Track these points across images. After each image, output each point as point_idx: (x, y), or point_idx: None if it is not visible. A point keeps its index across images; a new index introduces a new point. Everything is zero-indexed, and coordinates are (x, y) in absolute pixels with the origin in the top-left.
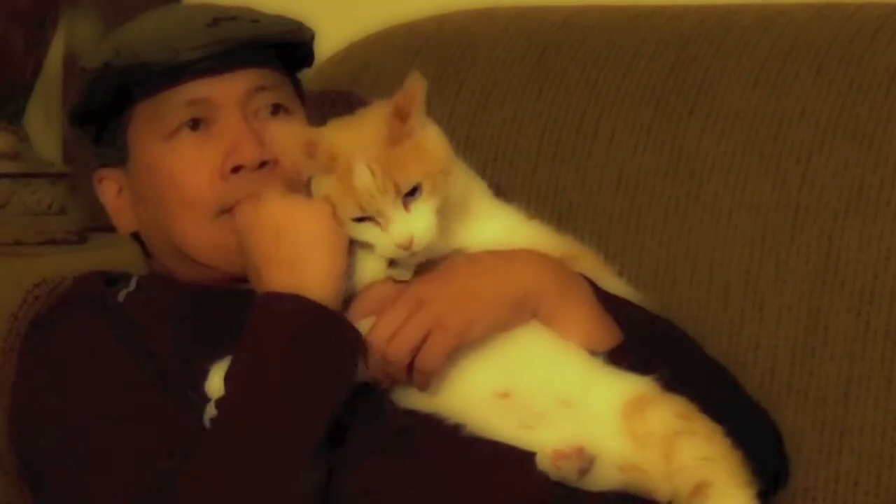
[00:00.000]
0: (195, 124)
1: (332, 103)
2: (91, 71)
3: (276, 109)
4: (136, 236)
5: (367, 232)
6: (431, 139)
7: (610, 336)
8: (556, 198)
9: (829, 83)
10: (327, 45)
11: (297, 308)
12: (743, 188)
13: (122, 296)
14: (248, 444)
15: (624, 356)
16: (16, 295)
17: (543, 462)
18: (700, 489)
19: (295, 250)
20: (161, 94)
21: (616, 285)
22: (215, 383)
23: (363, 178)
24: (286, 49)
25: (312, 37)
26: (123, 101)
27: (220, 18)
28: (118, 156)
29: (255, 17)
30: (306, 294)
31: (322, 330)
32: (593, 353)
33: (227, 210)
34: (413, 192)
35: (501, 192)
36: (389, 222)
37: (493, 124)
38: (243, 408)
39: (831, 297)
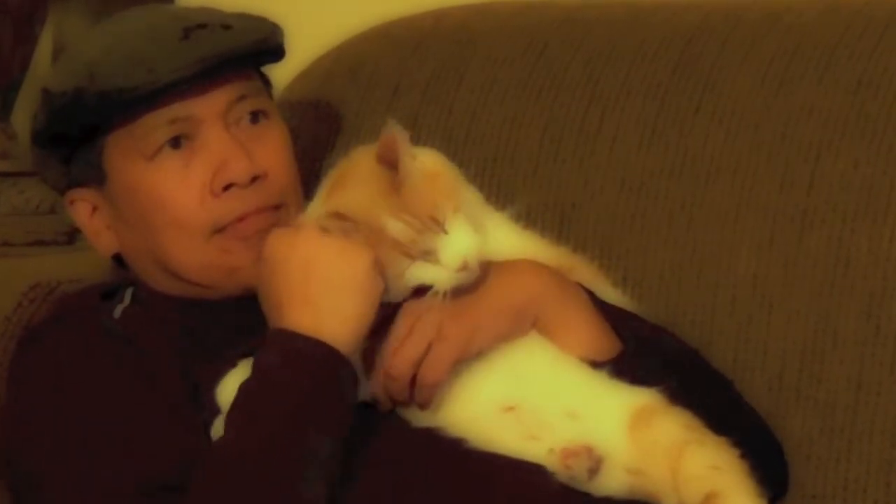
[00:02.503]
0: (176, 142)
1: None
2: (60, 95)
3: (255, 116)
4: (114, 257)
5: (424, 273)
6: (430, 163)
7: (610, 345)
8: (557, 198)
9: (838, 80)
10: (324, 41)
11: (316, 353)
12: (750, 189)
13: (117, 312)
14: (243, 484)
15: (623, 366)
16: (5, 296)
17: (553, 462)
18: (710, 500)
19: (325, 292)
20: (140, 118)
21: (612, 295)
22: (227, 394)
23: (398, 228)
24: (261, 54)
25: (283, 35)
26: (98, 126)
27: (190, 28)
28: (92, 176)
29: (224, 22)
30: (326, 339)
31: (338, 378)
32: (594, 362)
33: (220, 229)
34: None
35: (500, 195)
36: (439, 253)
37: (493, 122)
38: (244, 445)
39: (840, 300)
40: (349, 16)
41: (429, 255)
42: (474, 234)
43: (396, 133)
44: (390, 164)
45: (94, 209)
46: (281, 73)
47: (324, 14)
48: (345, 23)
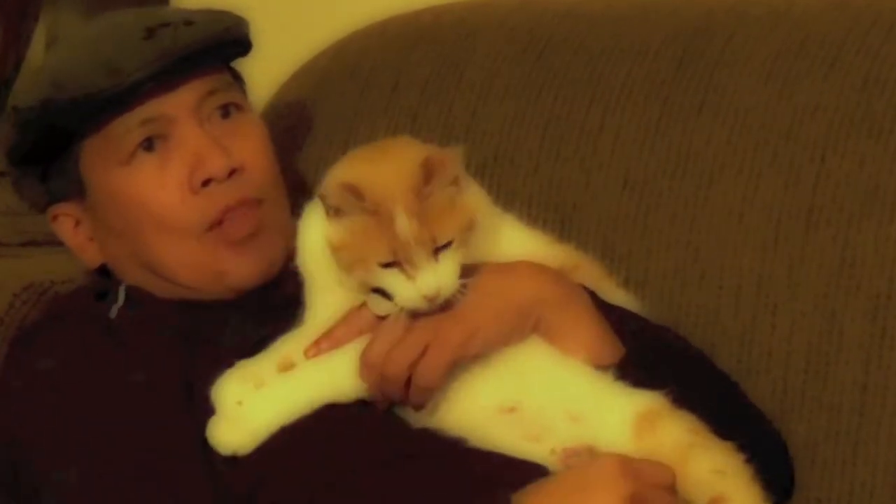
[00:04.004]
0: (150, 144)
1: (289, 115)
2: (28, 110)
3: (227, 111)
4: (99, 268)
5: (390, 280)
6: (465, 194)
7: (612, 349)
8: (558, 198)
9: (844, 77)
10: (322, 38)
11: None
12: (754, 188)
13: (113, 312)
14: None
15: (626, 370)
16: None
17: (554, 462)
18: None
19: None
20: (111, 122)
21: (617, 295)
22: (224, 395)
23: (404, 226)
24: (226, 47)
25: (248, 27)
26: (70, 136)
27: (153, 27)
28: (71, 189)
29: (187, 18)
30: None
31: None
32: (597, 366)
33: (208, 229)
34: (445, 244)
35: (501, 195)
36: (419, 272)
37: (493, 121)
38: None
39: (846, 301)
40: (347, 13)
41: (409, 268)
42: (457, 279)
43: (455, 157)
44: (429, 174)
45: (77, 223)
46: (279, 71)
47: (322, 11)
48: (343, 20)
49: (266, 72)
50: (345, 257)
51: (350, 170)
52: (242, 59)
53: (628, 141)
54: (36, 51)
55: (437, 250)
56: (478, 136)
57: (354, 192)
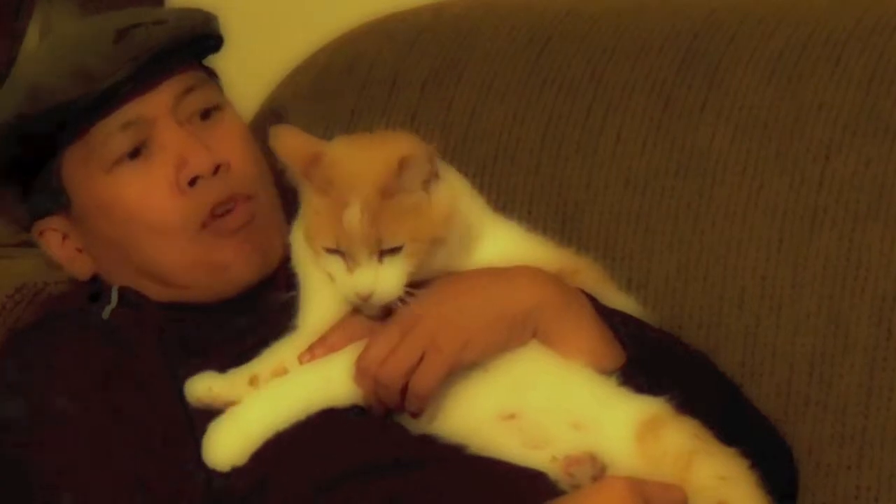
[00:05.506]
0: (135, 153)
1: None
2: (4, 125)
3: (206, 112)
4: (86, 281)
5: (333, 266)
6: (436, 203)
7: (612, 354)
8: (560, 197)
9: (849, 76)
10: (321, 35)
11: None
12: (758, 188)
13: (106, 312)
14: None
15: (628, 375)
16: None
17: (555, 470)
18: None
19: None
20: (90, 129)
21: (618, 300)
22: (194, 391)
23: (353, 218)
24: (198, 44)
25: (218, 24)
26: (50, 148)
27: (123, 29)
28: (55, 202)
29: (157, 18)
30: None
31: None
32: (598, 371)
33: (203, 225)
34: (393, 248)
35: (501, 194)
36: (357, 268)
37: (494, 119)
38: None
39: (851, 303)
40: (346, 10)
41: (350, 263)
42: (400, 287)
43: (427, 154)
44: (402, 169)
45: (65, 237)
46: (277, 68)
47: (321, 8)
48: (342, 17)
49: (264, 69)
50: (307, 226)
51: (339, 148)
52: (241, 57)
53: (630, 140)
54: (29, 48)
55: (382, 252)
56: (478, 134)
57: (306, 167)
